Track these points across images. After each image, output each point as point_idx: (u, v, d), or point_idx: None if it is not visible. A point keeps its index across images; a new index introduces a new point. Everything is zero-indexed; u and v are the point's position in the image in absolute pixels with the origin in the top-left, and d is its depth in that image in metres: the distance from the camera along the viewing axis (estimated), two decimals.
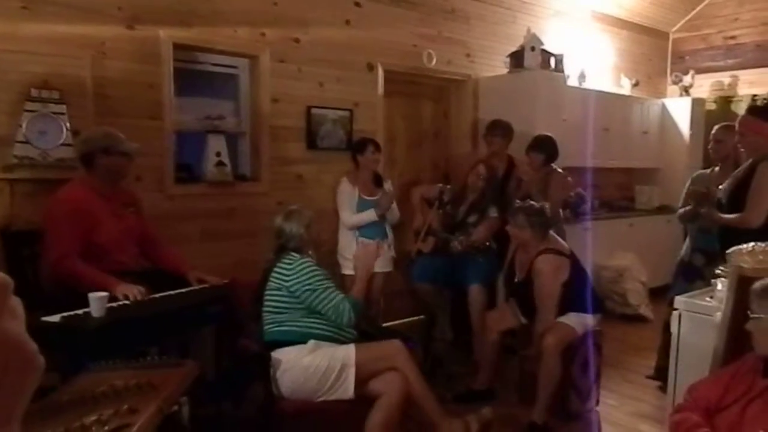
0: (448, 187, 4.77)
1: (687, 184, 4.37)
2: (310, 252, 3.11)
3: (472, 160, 5.03)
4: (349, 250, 4.56)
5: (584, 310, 3.80)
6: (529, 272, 3.81)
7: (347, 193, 4.69)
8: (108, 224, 3.20)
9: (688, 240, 4.30)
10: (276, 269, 3.05)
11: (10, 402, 0.66)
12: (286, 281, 2.99)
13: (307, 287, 2.96)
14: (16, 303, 0.68)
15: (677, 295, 3.20)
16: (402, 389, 2.92)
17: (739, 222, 3.48)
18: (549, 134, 5.08)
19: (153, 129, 4.05)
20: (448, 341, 4.99)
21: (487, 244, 4.51)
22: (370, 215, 4.59)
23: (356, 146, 4.82)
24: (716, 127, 4.31)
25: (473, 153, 5.83)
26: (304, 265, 3.01)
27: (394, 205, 4.79)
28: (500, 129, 5.18)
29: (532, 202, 3.98)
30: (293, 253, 3.07)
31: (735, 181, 3.65)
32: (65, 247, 3.02)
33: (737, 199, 3.56)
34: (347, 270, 4.53)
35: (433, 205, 4.69)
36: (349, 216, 4.65)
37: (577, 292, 3.79)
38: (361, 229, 4.64)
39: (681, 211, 4.25)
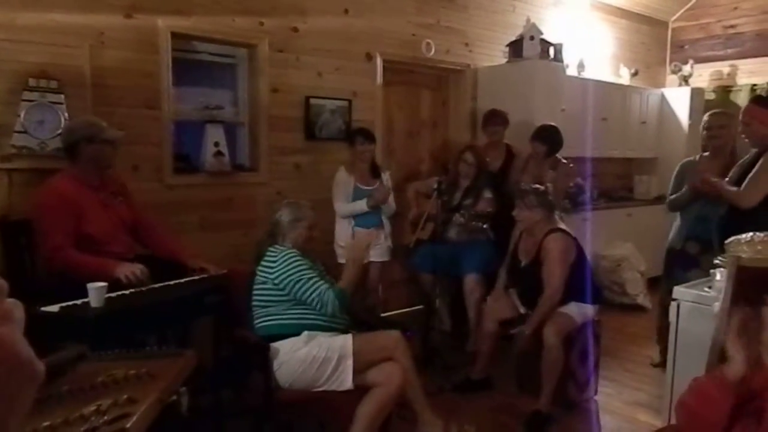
0: (439, 178, 4.73)
1: (675, 171, 4.40)
2: (288, 244, 3.09)
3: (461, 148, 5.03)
4: (345, 239, 4.57)
5: (584, 300, 3.81)
6: (538, 254, 3.81)
7: (343, 182, 4.66)
8: (97, 215, 3.19)
9: (679, 228, 4.30)
10: (261, 263, 3.06)
11: (2, 412, 0.62)
12: (271, 274, 2.99)
13: (290, 277, 2.96)
14: (13, 306, 0.64)
15: (675, 284, 3.21)
16: (400, 382, 2.93)
17: (733, 197, 3.50)
18: (553, 124, 5.05)
19: (151, 118, 4.05)
20: (446, 331, 4.99)
21: (490, 210, 4.50)
22: (360, 206, 4.57)
23: (350, 137, 4.81)
24: (713, 113, 4.27)
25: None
26: (287, 256, 3.00)
27: (391, 198, 4.78)
28: (500, 118, 5.18)
29: (536, 185, 3.99)
30: (277, 246, 3.08)
31: (741, 169, 3.66)
32: (58, 238, 3.01)
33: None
34: (343, 259, 4.53)
35: (431, 197, 4.69)
36: (342, 205, 4.63)
37: (578, 280, 3.80)
38: (357, 218, 4.62)
39: (673, 198, 4.27)
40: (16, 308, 0.64)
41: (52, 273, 3.09)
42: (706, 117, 4.29)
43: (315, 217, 3.22)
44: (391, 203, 4.80)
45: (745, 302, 1.99)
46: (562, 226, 3.91)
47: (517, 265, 4.04)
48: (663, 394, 3.24)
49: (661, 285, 4.68)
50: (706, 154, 4.25)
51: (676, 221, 4.39)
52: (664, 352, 4.41)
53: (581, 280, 3.81)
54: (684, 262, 4.14)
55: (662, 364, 4.32)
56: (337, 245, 4.66)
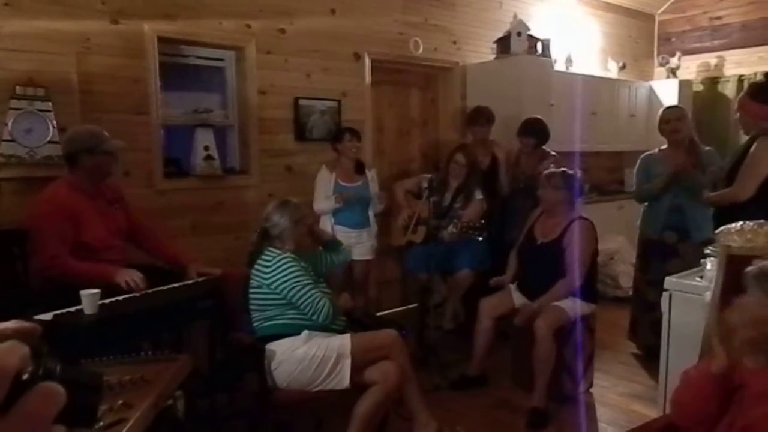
0: (431, 176, 4.73)
1: (638, 166, 4.49)
2: (288, 247, 3.08)
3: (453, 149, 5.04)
4: None
5: (581, 297, 3.81)
6: (562, 235, 3.85)
7: (323, 180, 4.65)
8: (94, 223, 3.18)
9: (654, 218, 4.36)
10: (256, 266, 3.05)
11: None
12: (266, 278, 2.98)
13: (285, 283, 2.95)
14: (43, 398, 0.49)
15: (657, 275, 3.23)
16: (397, 380, 2.94)
17: (727, 197, 3.52)
18: (538, 117, 5.08)
19: (140, 124, 4.04)
20: (448, 330, 4.96)
21: (483, 221, 4.51)
22: (330, 203, 4.54)
23: (335, 135, 4.78)
24: (668, 108, 4.42)
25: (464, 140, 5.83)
26: (282, 262, 2.99)
27: (377, 191, 4.81)
28: (485, 117, 5.19)
29: (564, 169, 4.06)
30: (272, 249, 3.06)
31: (734, 157, 3.69)
32: (55, 246, 3.00)
33: (735, 176, 3.60)
34: None
35: (421, 197, 4.70)
36: (320, 202, 4.61)
37: (584, 276, 3.83)
38: (343, 216, 4.60)
39: (644, 188, 4.32)
40: (48, 399, 0.48)
41: (45, 281, 3.07)
42: (661, 112, 4.39)
43: (308, 212, 3.23)
44: (380, 199, 4.81)
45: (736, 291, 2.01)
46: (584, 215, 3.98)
47: (532, 243, 4.05)
48: (657, 385, 3.26)
49: (635, 277, 4.71)
50: (665, 147, 4.32)
51: (645, 212, 4.46)
52: (640, 346, 4.49)
53: (585, 277, 3.84)
54: (662, 253, 4.20)
55: (646, 356, 4.37)
56: None
